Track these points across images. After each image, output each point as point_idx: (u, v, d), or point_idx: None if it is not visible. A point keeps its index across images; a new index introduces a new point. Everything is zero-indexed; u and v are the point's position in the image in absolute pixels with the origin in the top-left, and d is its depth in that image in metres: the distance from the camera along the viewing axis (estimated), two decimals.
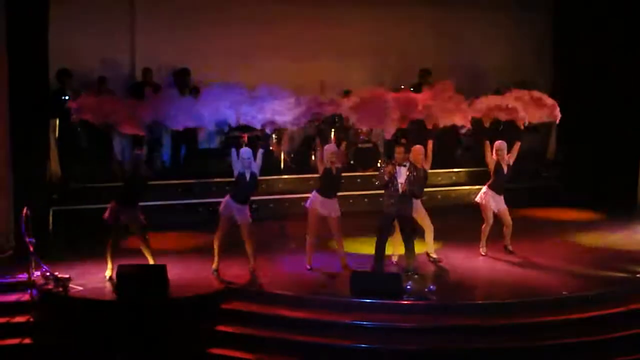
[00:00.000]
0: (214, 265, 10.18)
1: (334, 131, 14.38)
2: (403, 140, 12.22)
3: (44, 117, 11.87)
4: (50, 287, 9.57)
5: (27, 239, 9.77)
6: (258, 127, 10.36)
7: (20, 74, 11.06)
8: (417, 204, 10.53)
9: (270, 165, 13.88)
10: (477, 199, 11.07)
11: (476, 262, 10.86)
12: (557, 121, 11.27)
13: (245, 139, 10.43)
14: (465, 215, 12.47)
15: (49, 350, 9.16)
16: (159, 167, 14.21)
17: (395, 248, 10.58)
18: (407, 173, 9.89)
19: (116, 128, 10.15)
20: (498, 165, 10.91)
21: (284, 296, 9.47)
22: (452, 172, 15.29)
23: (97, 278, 9.93)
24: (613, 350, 8.67)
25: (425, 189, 10.83)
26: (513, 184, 11.70)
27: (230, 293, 9.62)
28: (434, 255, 10.79)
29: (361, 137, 14.85)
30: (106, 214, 9.95)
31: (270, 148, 14.33)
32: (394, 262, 10.56)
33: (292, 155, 14.99)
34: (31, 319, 9.38)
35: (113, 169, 10.42)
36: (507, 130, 12.48)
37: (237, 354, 8.87)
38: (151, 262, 10.02)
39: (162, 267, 9.49)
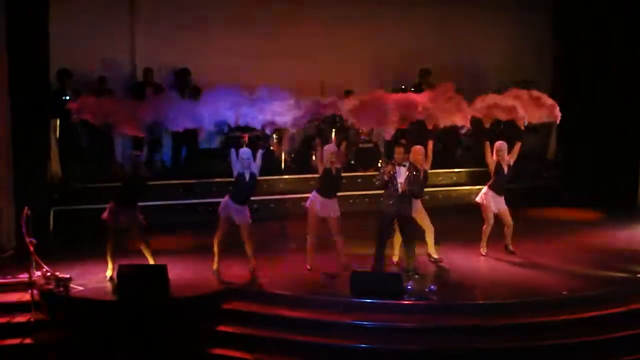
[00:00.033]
0: (215, 266, 10.19)
1: (335, 131, 14.38)
2: (403, 141, 12.23)
3: (44, 117, 11.89)
4: (51, 287, 9.57)
5: (28, 239, 9.76)
6: (258, 127, 10.37)
7: (20, 74, 11.09)
8: (418, 204, 10.53)
9: (271, 165, 13.90)
10: (478, 199, 11.07)
11: (477, 262, 10.87)
12: (557, 121, 11.26)
13: (246, 139, 10.43)
14: (466, 215, 12.47)
15: (50, 350, 9.15)
16: (159, 167, 14.22)
17: (395, 248, 10.59)
18: (407, 173, 9.89)
19: (116, 129, 10.16)
20: (498, 165, 10.91)
21: (284, 296, 9.48)
22: (453, 172, 15.30)
23: (97, 278, 9.95)
24: (613, 350, 8.67)
25: (426, 189, 10.84)
26: (513, 184, 11.71)
27: (231, 293, 9.63)
28: (435, 256, 10.79)
29: (362, 137, 14.86)
30: (105, 214, 9.97)
31: (271, 148, 14.33)
32: (395, 263, 10.57)
33: (293, 155, 14.99)
34: (32, 319, 9.38)
35: (112, 170, 10.42)
36: (507, 130, 12.48)
37: (237, 354, 8.86)
38: (151, 262, 10.03)
39: (163, 267, 9.49)
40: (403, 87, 13.67)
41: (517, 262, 10.81)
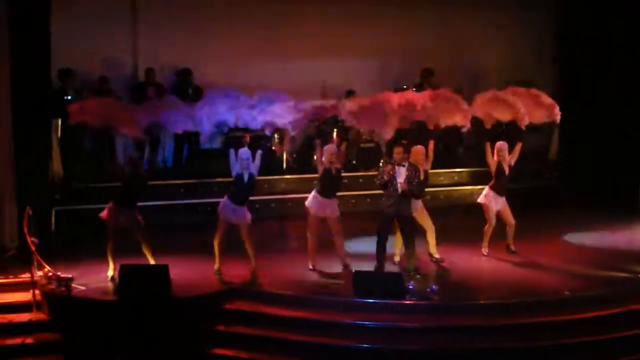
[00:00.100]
0: (216, 266, 10.20)
1: (336, 131, 14.38)
2: (404, 141, 12.22)
3: (45, 117, 11.89)
4: (52, 286, 9.59)
5: (30, 239, 9.79)
6: (258, 128, 10.39)
7: (22, 73, 11.11)
8: (418, 204, 10.55)
9: (272, 165, 13.91)
10: (479, 200, 11.08)
11: (478, 262, 10.88)
12: (557, 120, 11.26)
13: (248, 139, 10.43)
14: (468, 215, 12.49)
15: (51, 350, 9.16)
16: (158, 167, 14.21)
17: (396, 248, 10.60)
18: (407, 173, 9.91)
19: (115, 131, 10.18)
20: (499, 166, 10.92)
21: (285, 296, 9.49)
22: (454, 172, 15.29)
23: (99, 278, 9.97)
24: (613, 350, 8.68)
25: (428, 189, 10.85)
26: (514, 184, 11.71)
27: (231, 293, 9.64)
28: (437, 255, 10.80)
29: (363, 137, 14.86)
30: (104, 214, 9.99)
31: (272, 148, 14.34)
32: (395, 263, 10.58)
33: (294, 155, 14.99)
34: (33, 319, 9.41)
35: (113, 170, 10.44)
36: (508, 131, 12.49)
37: (237, 354, 8.86)
38: (152, 262, 10.05)
39: (165, 267, 9.49)
40: (405, 86, 13.67)
41: (518, 262, 10.82)
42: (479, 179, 13.64)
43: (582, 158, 15.22)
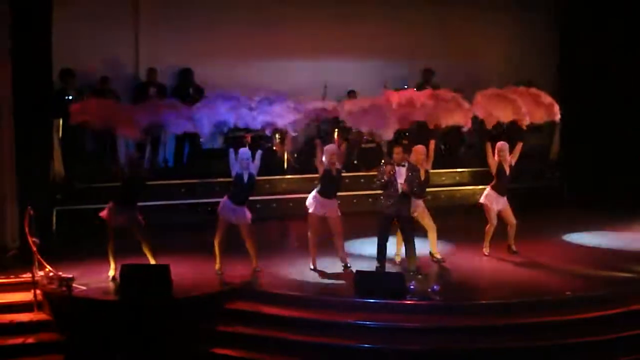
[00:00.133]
0: (217, 266, 10.21)
1: (337, 131, 14.40)
2: (405, 141, 12.23)
3: (47, 117, 11.89)
4: (53, 286, 9.59)
5: (31, 239, 9.79)
6: (258, 128, 10.40)
7: (23, 73, 11.10)
8: (420, 204, 10.56)
9: (273, 165, 13.91)
10: (481, 200, 11.09)
11: (479, 262, 10.88)
12: (557, 120, 11.26)
13: (249, 139, 10.44)
14: (469, 215, 12.50)
15: (52, 350, 9.16)
16: (159, 167, 14.22)
17: (396, 249, 10.61)
18: (407, 173, 9.91)
19: (115, 131, 10.18)
20: (500, 166, 10.92)
21: (285, 296, 9.49)
22: (456, 172, 15.30)
23: (100, 278, 9.97)
24: (614, 350, 8.67)
25: (429, 189, 10.86)
26: (515, 184, 11.72)
27: (232, 293, 9.64)
28: (438, 256, 10.81)
29: (364, 138, 14.87)
30: (104, 213, 9.99)
31: (274, 148, 14.35)
32: (396, 263, 10.59)
33: (296, 155, 15.00)
34: (34, 319, 9.41)
35: (113, 170, 10.45)
36: (509, 131, 12.49)
37: (238, 354, 8.86)
38: (152, 262, 10.05)
39: (165, 267, 9.49)
40: (406, 87, 13.68)
41: (519, 262, 10.82)
42: (481, 179, 13.66)
43: (582, 158, 15.23)
